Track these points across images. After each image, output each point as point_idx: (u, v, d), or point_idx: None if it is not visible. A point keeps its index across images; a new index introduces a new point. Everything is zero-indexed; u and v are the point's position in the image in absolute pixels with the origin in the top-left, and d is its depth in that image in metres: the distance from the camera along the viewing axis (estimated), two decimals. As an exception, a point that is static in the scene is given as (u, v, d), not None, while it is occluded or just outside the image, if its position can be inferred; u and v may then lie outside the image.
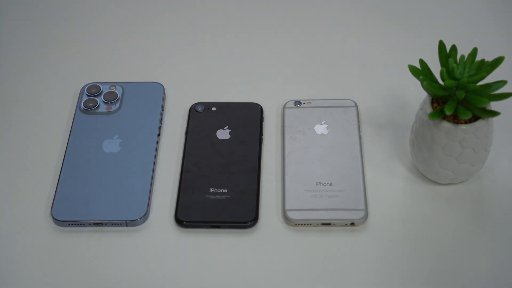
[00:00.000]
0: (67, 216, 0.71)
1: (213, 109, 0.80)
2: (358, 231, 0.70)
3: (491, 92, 0.66)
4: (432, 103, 0.69)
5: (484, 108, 0.67)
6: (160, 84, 0.83)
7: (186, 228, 0.71)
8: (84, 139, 0.77)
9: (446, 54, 0.68)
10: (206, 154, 0.76)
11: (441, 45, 0.68)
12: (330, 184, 0.72)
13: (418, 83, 0.67)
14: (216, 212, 0.71)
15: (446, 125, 0.67)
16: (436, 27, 0.89)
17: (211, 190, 0.73)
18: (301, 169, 0.73)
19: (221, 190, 0.73)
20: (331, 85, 0.83)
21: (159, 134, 0.78)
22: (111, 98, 0.81)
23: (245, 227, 0.71)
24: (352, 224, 0.70)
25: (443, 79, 0.66)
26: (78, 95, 0.82)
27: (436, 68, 0.68)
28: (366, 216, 0.70)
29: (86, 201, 0.72)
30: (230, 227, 0.71)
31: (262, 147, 0.77)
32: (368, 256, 0.68)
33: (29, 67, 0.87)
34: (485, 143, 0.68)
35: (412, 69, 0.68)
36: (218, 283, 0.67)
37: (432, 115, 0.66)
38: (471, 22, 0.89)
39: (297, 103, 0.80)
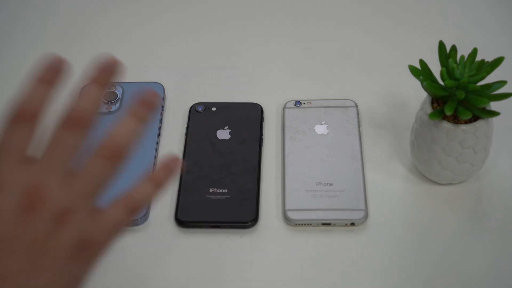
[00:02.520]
0: (67, 216, 0.71)
1: (213, 109, 0.80)
2: (358, 231, 0.70)
3: (491, 92, 0.66)
4: (432, 103, 0.69)
5: (484, 108, 0.67)
6: (160, 84, 0.83)
7: (186, 228, 0.71)
8: (84, 139, 0.77)
9: (446, 54, 0.68)
10: (206, 154, 0.76)
11: (441, 45, 0.68)
12: (330, 184, 0.72)
13: (418, 83, 0.67)
14: (216, 212, 0.71)
15: (446, 125, 0.67)
16: (436, 27, 0.88)
17: (211, 190, 0.73)
18: (301, 169, 0.73)
19: (221, 190, 0.73)
20: (331, 85, 0.83)
21: (159, 134, 0.78)
22: (111, 98, 0.81)
23: (245, 227, 0.71)
24: (352, 224, 0.70)
25: (443, 79, 0.66)
26: (77, 95, 0.82)
27: (436, 68, 0.68)
28: (366, 216, 0.70)
29: (86, 201, 0.72)
30: (230, 227, 0.71)
31: (262, 147, 0.77)
32: (368, 256, 0.68)
33: (29, 67, 0.87)
34: (485, 143, 0.68)
35: (412, 69, 0.68)
36: (218, 283, 0.67)
37: (432, 115, 0.66)
38: (471, 22, 0.89)
39: (297, 103, 0.80)
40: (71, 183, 0.46)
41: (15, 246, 0.44)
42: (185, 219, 0.71)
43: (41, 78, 0.49)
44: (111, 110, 0.80)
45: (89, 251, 0.46)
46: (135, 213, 0.49)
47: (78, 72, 0.85)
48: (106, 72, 0.50)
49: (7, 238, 0.44)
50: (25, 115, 0.47)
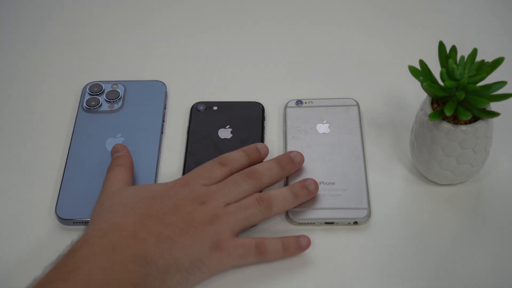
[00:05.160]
0: (72, 214, 0.71)
1: (215, 108, 0.80)
2: (361, 230, 0.70)
3: (491, 93, 0.67)
4: (432, 103, 0.69)
5: (484, 108, 0.67)
6: (162, 82, 0.83)
7: (189, 227, 0.71)
8: (87, 138, 0.78)
9: (446, 55, 0.68)
10: (208, 153, 0.76)
11: (441, 45, 0.68)
12: (333, 183, 0.72)
13: (418, 83, 0.68)
14: (218, 211, 0.71)
15: (446, 125, 0.67)
16: (436, 27, 0.89)
17: (213, 189, 0.73)
18: (303, 168, 0.74)
19: (223, 189, 0.73)
20: (332, 85, 0.83)
21: (161, 133, 0.79)
22: (113, 96, 0.81)
23: (246, 227, 0.71)
24: (355, 223, 0.70)
25: (443, 80, 0.66)
26: (80, 94, 0.82)
27: (436, 69, 0.68)
28: (369, 215, 0.70)
29: (90, 200, 0.72)
30: (231, 226, 0.71)
31: (264, 147, 0.77)
32: (371, 255, 0.68)
33: (31, 66, 0.87)
34: (485, 144, 0.69)
35: (412, 69, 0.68)
36: (218, 283, 0.67)
37: (432, 116, 0.66)
38: (471, 22, 0.90)
39: (299, 102, 0.80)
40: (230, 204, 0.67)
41: (182, 217, 0.65)
42: (188, 218, 0.71)
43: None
44: (113, 109, 0.80)
45: (222, 252, 0.65)
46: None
47: (78, 72, 0.86)
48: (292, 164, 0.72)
49: (180, 212, 0.65)
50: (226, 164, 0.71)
